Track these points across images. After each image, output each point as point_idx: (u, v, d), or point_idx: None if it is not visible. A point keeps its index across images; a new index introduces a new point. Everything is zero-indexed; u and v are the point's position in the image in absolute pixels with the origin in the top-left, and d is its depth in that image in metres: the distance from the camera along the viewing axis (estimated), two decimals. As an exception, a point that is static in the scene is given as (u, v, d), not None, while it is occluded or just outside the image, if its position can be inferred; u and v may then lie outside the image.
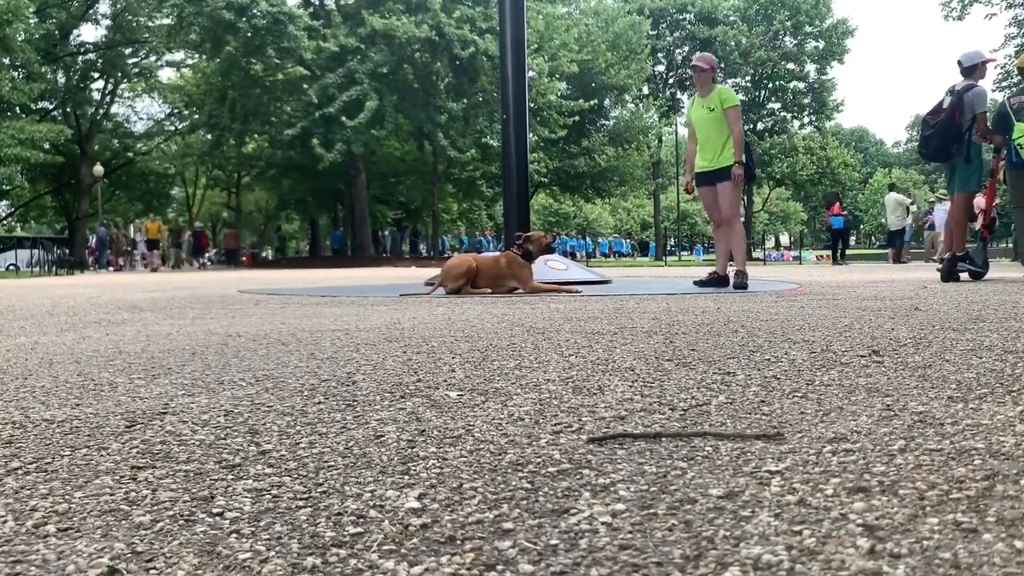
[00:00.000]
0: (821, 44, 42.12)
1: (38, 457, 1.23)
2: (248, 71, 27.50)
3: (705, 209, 6.42)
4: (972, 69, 6.58)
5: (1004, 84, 28.44)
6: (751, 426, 1.34)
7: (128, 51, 32.17)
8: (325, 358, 2.26)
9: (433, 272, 8.07)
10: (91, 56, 31.85)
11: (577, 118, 29.38)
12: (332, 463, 1.16)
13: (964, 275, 6.79)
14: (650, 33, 37.63)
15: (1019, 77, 6.99)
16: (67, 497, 1.02)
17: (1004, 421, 1.33)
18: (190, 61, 31.98)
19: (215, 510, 0.96)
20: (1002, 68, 29.63)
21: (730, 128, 5.85)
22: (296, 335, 2.91)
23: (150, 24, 30.50)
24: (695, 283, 6.32)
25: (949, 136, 6.44)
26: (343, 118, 24.92)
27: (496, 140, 26.99)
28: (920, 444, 1.19)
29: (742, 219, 6.52)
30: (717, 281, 6.09)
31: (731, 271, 6.04)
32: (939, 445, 1.19)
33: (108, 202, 35.76)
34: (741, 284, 5.82)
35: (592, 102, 29.61)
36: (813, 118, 44.06)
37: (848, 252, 21.23)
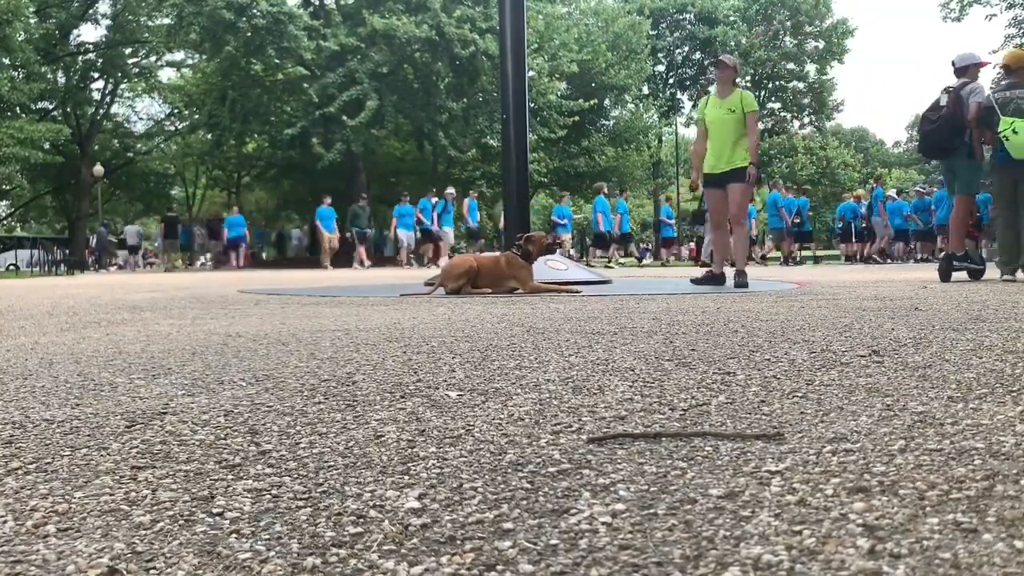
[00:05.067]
0: (821, 44, 42.11)
1: (38, 457, 1.23)
2: (248, 71, 27.48)
3: (709, 210, 6.56)
4: (964, 70, 6.61)
5: (1003, 83, 28.43)
6: (751, 426, 1.34)
7: (128, 51, 32.16)
8: (325, 358, 2.26)
9: (433, 272, 8.07)
10: (91, 56, 31.83)
11: (577, 118, 29.36)
12: (332, 463, 1.16)
13: (963, 274, 6.79)
14: (650, 33, 37.58)
15: (1000, 72, 7.00)
16: (67, 497, 1.02)
17: (1004, 421, 1.33)
18: (190, 61, 31.97)
19: (215, 510, 0.96)
20: (1000, 67, 29.61)
21: (748, 132, 5.98)
22: (296, 335, 2.91)
23: (150, 24, 30.48)
24: (692, 281, 6.47)
25: (953, 129, 6.43)
26: (343, 118, 24.92)
27: (496, 140, 26.96)
28: (920, 444, 1.19)
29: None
30: (714, 279, 6.25)
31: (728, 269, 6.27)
32: (939, 445, 1.19)
33: (108, 202, 35.74)
34: (742, 283, 5.89)
35: (592, 102, 29.58)
36: (813, 118, 44.02)
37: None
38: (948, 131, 6.47)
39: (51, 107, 30.92)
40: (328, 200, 19.71)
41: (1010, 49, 8.20)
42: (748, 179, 5.96)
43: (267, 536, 0.87)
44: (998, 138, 6.41)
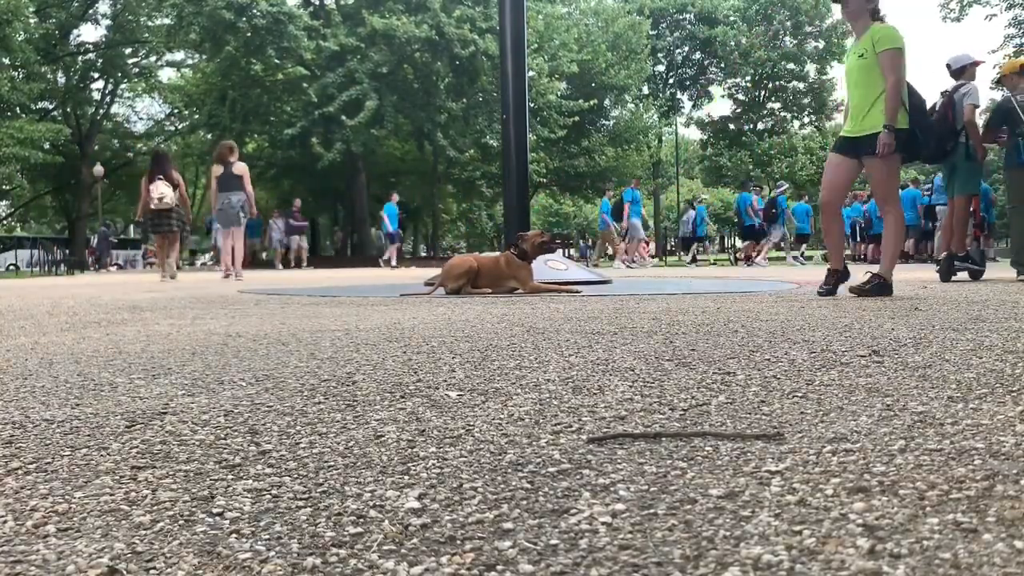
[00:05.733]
0: (821, 44, 42.10)
1: (38, 457, 1.23)
2: (248, 71, 27.55)
3: (822, 184, 4.80)
4: (961, 71, 6.65)
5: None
6: (751, 426, 1.34)
7: (128, 51, 32.20)
8: (325, 358, 2.26)
9: (433, 272, 8.07)
10: (91, 56, 31.88)
11: (577, 118, 29.41)
12: (332, 463, 1.16)
13: (963, 275, 6.79)
14: (650, 33, 37.62)
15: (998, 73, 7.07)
16: (67, 497, 1.02)
17: (1004, 421, 1.33)
18: (190, 61, 32.03)
19: (215, 510, 0.96)
20: (999, 68, 29.62)
21: (884, 79, 4.37)
22: (296, 335, 2.91)
23: (150, 24, 30.54)
24: (820, 293, 4.78)
25: (943, 134, 6.46)
26: (343, 118, 24.95)
27: (496, 140, 26.99)
28: (920, 444, 1.19)
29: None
30: (837, 277, 4.78)
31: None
32: (939, 445, 1.19)
33: (108, 202, 35.78)
34: (875, 288, 4.48)
35: (592, 102, 29.64)
36: (813, 118, 43.99)
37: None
38: (937, 137, 6.49)
39: (51, 107, 30.95)
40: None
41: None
42: (883, 149, 4.35)
43: (267, 536, 0.87)
44: (1016, 141, 6.45)
